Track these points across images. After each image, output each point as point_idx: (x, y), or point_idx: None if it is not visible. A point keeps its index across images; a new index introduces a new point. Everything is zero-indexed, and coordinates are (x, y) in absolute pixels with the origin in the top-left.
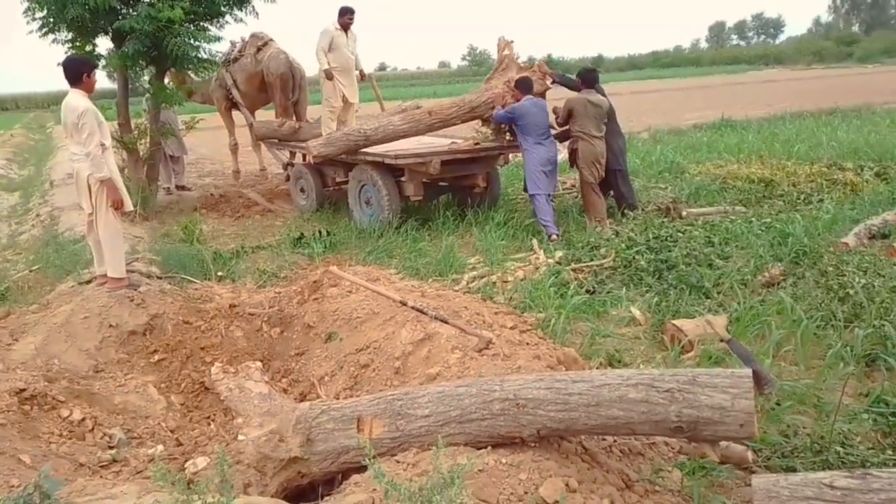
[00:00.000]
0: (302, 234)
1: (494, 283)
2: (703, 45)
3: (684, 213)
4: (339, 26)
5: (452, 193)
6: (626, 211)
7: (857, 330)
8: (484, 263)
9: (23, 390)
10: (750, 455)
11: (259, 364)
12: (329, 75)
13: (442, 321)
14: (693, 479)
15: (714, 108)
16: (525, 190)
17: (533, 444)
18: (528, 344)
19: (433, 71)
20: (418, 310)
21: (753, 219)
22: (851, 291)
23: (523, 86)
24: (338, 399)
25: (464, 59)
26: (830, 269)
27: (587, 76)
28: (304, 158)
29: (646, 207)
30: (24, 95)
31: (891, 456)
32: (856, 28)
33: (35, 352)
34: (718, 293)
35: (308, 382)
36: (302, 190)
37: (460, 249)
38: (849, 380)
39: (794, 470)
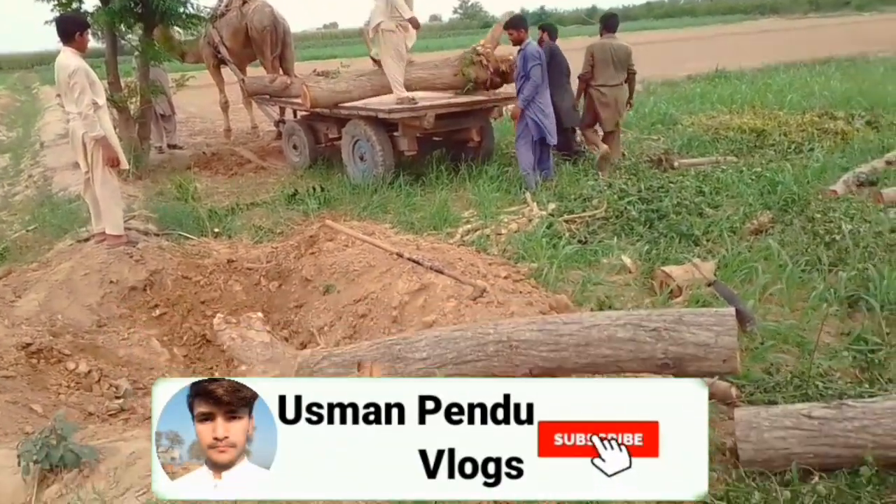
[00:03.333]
0: (296, 190)
1: (488, 235)
2: None
3: (676, 164)
4: None
5: (446, 148)
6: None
7: (840, 273)
8: (478, 217)
9: (29, 345)
10: (734, 391)
11: (260, 315)
12: (416, 23)
13: (437, 271)
14: None
15: (708, 59)
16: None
17: None
18: (521, 292)
19: (424, 24)
20: (414, 261)
21: (744, 168)
22: (838, 237)
23: (524, 24)
24: (338, 347)
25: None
26: (818, 215)
27: (609, 21)
28: (295, 115)
29: (639, 159)
30: (6, 56)
31: (867, 389)
32: None
33: (38, 308)
34: (708, 241)
35: (308, 333)
36: (294, 147)
37: (454, 203)
38: (830, 319)
39: (775, 403)
